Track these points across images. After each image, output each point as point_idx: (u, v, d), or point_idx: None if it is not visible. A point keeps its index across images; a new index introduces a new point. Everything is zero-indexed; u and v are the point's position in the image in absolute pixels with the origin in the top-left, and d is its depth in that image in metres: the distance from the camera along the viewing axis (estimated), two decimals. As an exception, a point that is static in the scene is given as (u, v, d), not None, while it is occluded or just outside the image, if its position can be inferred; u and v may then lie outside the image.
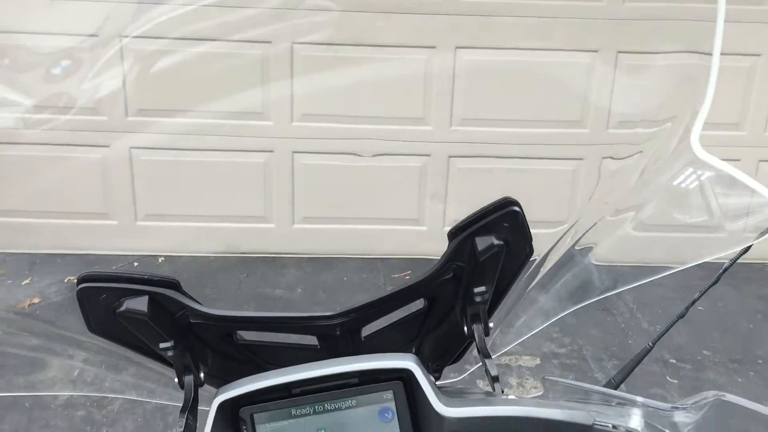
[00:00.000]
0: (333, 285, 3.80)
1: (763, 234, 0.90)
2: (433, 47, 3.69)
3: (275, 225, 3.98)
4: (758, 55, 3.79)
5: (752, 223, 0.88)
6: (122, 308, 0.91)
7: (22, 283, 3.63)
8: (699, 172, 0.86)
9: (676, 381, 3.09)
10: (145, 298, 0.92)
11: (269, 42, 3.61)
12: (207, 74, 3.63)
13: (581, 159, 3.86)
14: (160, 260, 3.89)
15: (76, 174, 3.76)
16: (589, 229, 1.02)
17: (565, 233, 1.05)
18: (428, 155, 3.88)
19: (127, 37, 3.52)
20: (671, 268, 0.92)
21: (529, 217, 0.89)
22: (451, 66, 3.70)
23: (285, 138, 3.79)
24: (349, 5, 3.55)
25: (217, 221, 3.93)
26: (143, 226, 3.88)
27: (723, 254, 0.90)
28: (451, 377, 1.16)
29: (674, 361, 3.22)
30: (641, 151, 1.14)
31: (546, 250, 1.03)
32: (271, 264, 3.94)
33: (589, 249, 1.00)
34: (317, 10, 3.57)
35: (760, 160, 3.94)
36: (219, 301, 3.56)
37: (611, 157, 3.34)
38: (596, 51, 3.69)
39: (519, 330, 1.04)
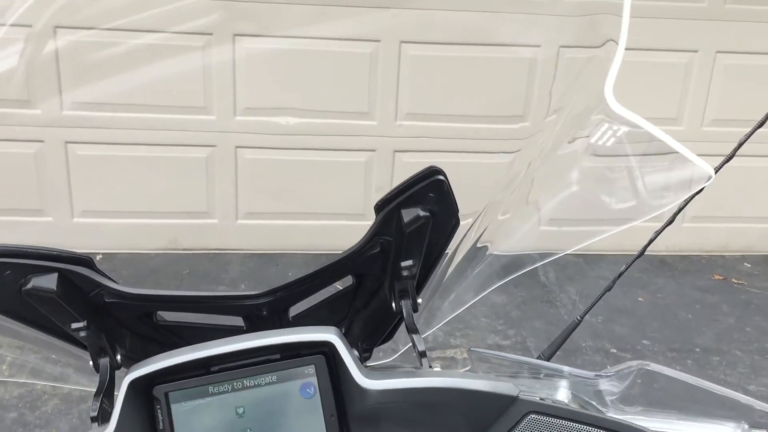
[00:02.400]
0: (277, 281, 3.73)
1: (693, 196, 0.89)
2: (378, 41, 3.67)
3: (218, 220, 3.91)
4: (695, 51, 3.87)
5: (677, 186, 0.87)
6: (29, 285, 0.86)
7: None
8: (614, 128, 0.85)
9: (617, 370, 3.13)
10: (54, 276, 0.87)
11: (211, 34, 3.54)
12: (147, 66, 3.55)
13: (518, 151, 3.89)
14: (98, 258, 3.78)
15: (8, 169, 3.63)
16: (485, 229, 1.02)
17: (469, 229, 1.04)
18: (373, 150, 3.86)
19: (61, 27, 3.42)
20: (590, 239, 0.91)
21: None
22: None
23: (228, 132, 3.72)
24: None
25: (158, 217, 3.84)
26: (80, 222, 3.76)
27: (651, 215, 0.89)
28: (380, 358, 1.14)
29: (615, 351, 3.26)
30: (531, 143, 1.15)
31: (454, 246, 1.01)
32: (214, 260, 3.87)
33: (486, 248, 0.99)
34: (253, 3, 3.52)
35: (699, 155, 4.02)
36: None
37: (503, 152, 3.38)
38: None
39: (453, 304, 1.03)
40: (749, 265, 4.14)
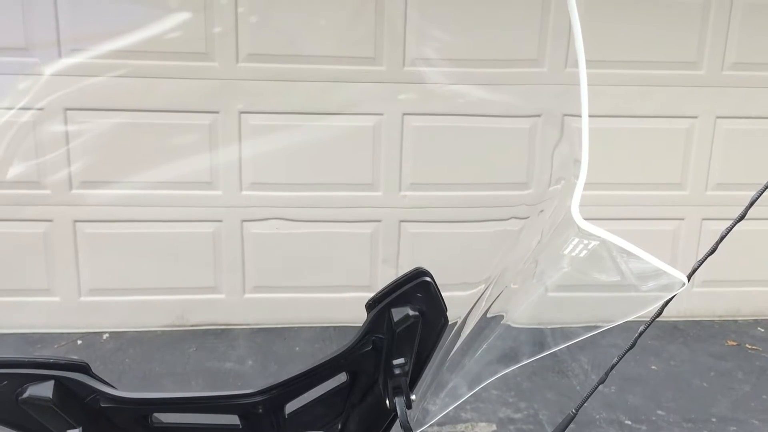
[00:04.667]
0: (285, 356, 3.72)
1: (668, 302, 0.90)
2: (381, 114, 3.74)
3: (225, 295, 3.91)
4: (695, 117, 3.92)
5: (653, 291, 0.88)
6: (26, 395, 0.87)
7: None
8: (585, 242, 0.86)
9: (632, 443, 3.06)
10: (51, 384, 0.88)
11: (217, 112, 3.61)
12: (154, 143, 3.62)
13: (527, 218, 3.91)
14: (104, 337, 3.77)
15: (17, 249, 3.66)
16: (497, 297, 1.02)
17: (479, 298, 1.04)
18: (379, 221, 3.89)
19: (71, 109, 3.50)
20: (583, 333, 0.92)
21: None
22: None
23: (234, 207, 3.76)
24: (298, 76, 3.59)
25: (165, 293, 3.84)
26: (87, 301, 3.77)
27: (629, 318, 0.89)
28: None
29: (629, 422, 3.19)
30: (541, 210, 1.16)
31: (463, 315, 1.02)
32: (222, 336, 3.85)
33: (500, 317, 0.99)
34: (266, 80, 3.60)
35: (704, 219, 4.03)
36: (166, 377, 3.45)
37: (514, 217, 3.39)
38: (533, 115, 3.78)
39: (446, 399, 1.02)
40: (763, 330, 4.08)
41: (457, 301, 1.09)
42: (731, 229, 0.93)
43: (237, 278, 3.89)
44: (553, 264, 0.95)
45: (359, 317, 1.04)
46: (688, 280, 0.87)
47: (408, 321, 0.87)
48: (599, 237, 0.85)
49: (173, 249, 3.78)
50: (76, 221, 3.67)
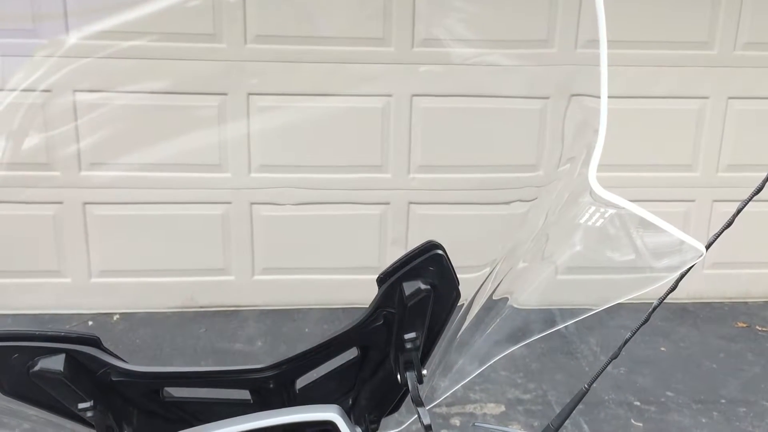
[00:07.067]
0: (294, 337, 3.73)
1: (684, 274, 0.89)
2: (390, 95, 3.72)
3: (235, 277, 3.92)
4: (706, 98, 3.88)
5: (670, 263, 0.87)
6: (37, 368, 0.87)
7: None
8: (602, 210, 0.85)
9: (641, 424, 3.06)
10: (62, 357, 0.88)
11: (225, 93, 3.61)
12: (163, 126, 3.62)
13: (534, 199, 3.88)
14: (115, 318, 3.79)
15: (27, 231, 3.68)
16: (503, 278, 1.01)
17: (486, 279, 1.03)
18: (388, 203, 3.88)
19: (80, 91, 3.50)
20: (592, 309, 0.91)
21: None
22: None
23: (243, 189, 3.76)
24: (306, 57, 3.58)
25: (175, 275, 3.86)
26: (97, 282, 3.79)
27: (641, 293, 0.88)
28: (390, 428, 1.12)
29: (638, 403, 3.19)
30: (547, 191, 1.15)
31: (471, 296, 1.01)
32: (231, 317, 3.87)
33: (506, 299, 0.99)
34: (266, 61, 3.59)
35: (714, 200, 4.00)
36: (177, 358, 3.47)
37: (522, 200, 3.38)
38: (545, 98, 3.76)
39: (456, 375, 1.02)
40: (773, 312, 4.07)
41: (466, 283, 1.09)
42: (748, 201, 0.92)
43: (246, 260, 3.89)
44: (566, 236, 0.94)
45: (368, 298, 1.04)
46: (706, 251, 0.86)
47: (420, 295, 0.87)
48: (616, 204, 0.84)
49: (183, 231, 3.79)
50: (85, 203, 3.68)
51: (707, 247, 0.87)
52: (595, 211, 0.86)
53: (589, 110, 0.99)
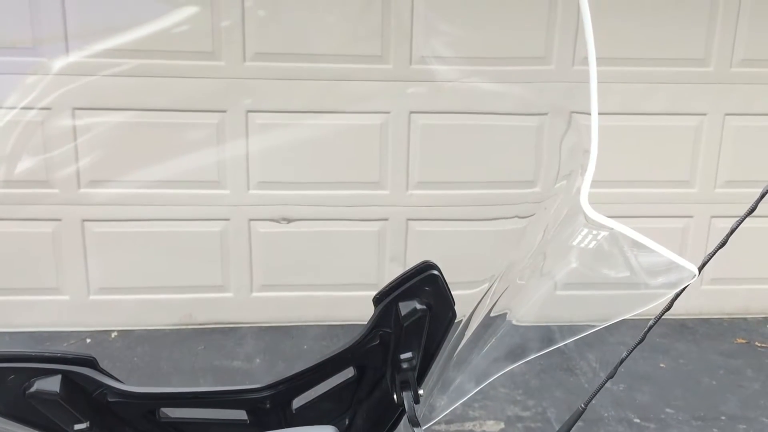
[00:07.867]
0: (293, 354, 3.72)
1: (678, 294, 0.89)
2: (388, 112, 3.73)
3: (233, 294, 3.91)
4: (704, 114, 3.89)
5: (663, 283, 0.87)
6: (33, 389, 0.87)
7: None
8: (594, 232, 0.86)
9: (641, 441, 3.05)
10: (58, 378, 0.88)
11: (224, 111, 3.62)
12: (161, 143, 3.63)
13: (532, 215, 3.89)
14: (113, 335, 3.78)
15: (26, 249, 3.68)
16: (502, 294, 1.01)
17: (484, 295, 1.03)
18: (386, 219, 3.88)
19: (80, 109, 3.51)
20: (592, 327, 0.91)
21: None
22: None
23: (241, 206, 3.77)
24: (305, 75, 3.60)
25: (173, 292, 3.85)
26: (96, 300, 3.78)
27: (637, 312, 0.88)
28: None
29: (638, 420, 3.18)
30: (545, 208, 1.15)
31: (469, 313, 1.01)
32: (230, 334, 3.85)
33: (504, 315, 0.99)
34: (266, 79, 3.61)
35: (712, 216, 4.01)
36: (175, 376, 3.46)
37: (520, 216, 3.39)
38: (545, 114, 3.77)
39: (454, 394, 1.01)
40: (772, 328, 4.06)
41: (464, 299, 1.09)
42: (742, 221, 0.93)
43: (245, 277, 3.89)
44: (561, 257, 0.95)
45: (366, 315, 1.04)
46: (699, 272, 0.86)
47: (416, 315, 0.87)
48: (608, 227, 0.84)
49: (181, 248, 3.78)
50: (84, 220, 3.68)
51: (700, 269, 0.87)
52: (588, 233, 0.86)
53: (583, 128, 1.00)
